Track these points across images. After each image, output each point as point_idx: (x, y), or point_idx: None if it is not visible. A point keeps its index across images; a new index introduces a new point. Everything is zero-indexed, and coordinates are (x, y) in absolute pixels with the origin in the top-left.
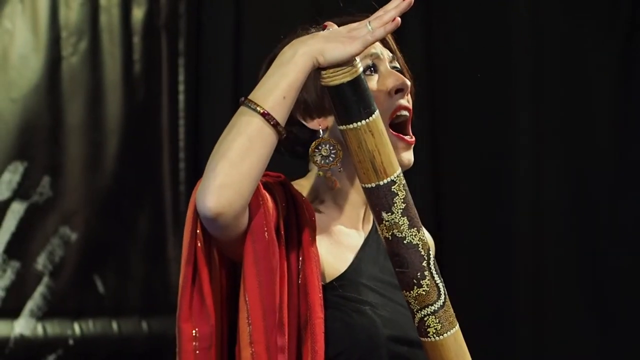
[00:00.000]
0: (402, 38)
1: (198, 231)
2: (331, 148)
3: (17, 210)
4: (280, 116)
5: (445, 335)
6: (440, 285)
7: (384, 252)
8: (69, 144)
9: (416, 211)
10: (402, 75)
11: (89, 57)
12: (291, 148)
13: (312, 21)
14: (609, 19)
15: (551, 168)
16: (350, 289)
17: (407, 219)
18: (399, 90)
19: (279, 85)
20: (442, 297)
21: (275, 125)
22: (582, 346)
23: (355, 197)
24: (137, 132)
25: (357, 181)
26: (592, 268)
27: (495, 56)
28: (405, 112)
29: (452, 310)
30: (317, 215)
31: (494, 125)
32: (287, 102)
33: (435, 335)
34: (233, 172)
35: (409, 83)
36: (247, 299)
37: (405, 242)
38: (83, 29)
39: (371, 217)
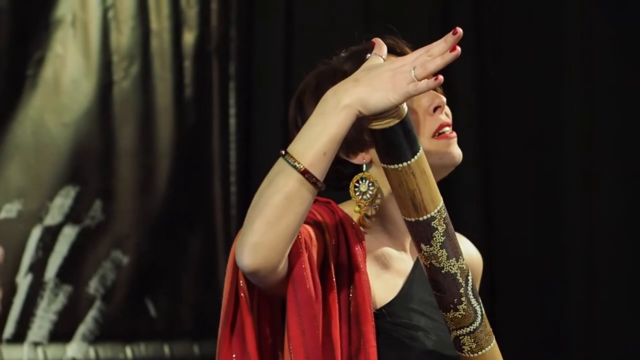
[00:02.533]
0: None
1: (241, 283)
2: (370, 185)
3: (69, 234)
4: (320, 172)
5: (479, 353)
6: (478, 308)
7: None
8: (120, 167)
9: (457, 240)
10: (435, 93)
11: (140, 82)
12: (337, 184)
13: (335, 55)
14: None
15: (605, 186)
16: (401, 315)
17: (446, 250)
18: (437, 108)
19: (319, 139)
20: (479, 319)
21: (314, 182)
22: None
23: (402, 222)
24: (188, 155)
25: None
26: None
27: (546, 69)
28: (447, 129)
29: (489, 327)
30: (366, 238)
31: (545, 141)
32: (328, 157)
33: (470, 353)
34: (269, 231)
35: (444, 99)
36: (290, 347)
37: (443, 271)
38: (134, 53)
39: None
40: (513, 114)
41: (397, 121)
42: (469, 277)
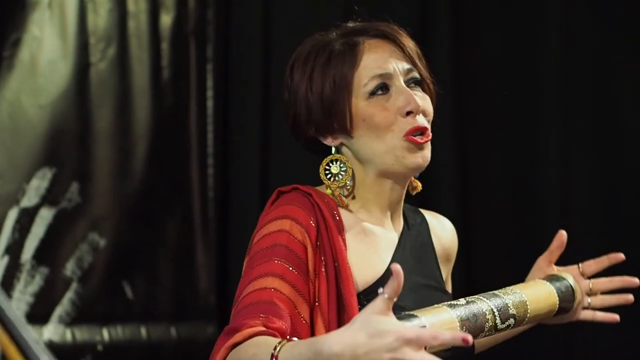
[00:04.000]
0: (430, 50)
1: None
2: (342, 166)
3: (45, 216)
4: None
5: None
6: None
7: (417, 254)
8: (97, 150)
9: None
10: (412, 95)
11: (117, 63)
12: (316, 152)
13: (333, 26)
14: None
15: (581, 180)
16: None
17: None
18: (409, 113)
19: None
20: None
21: None
22: (614, 353)
23: (380, 202)
24: (166, 138)
25: (378, 189)
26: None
27: (523, 67)
28: (418, 136)
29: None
30: (349, 217)
31: (522, 137)
32: None
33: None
34: None
35: (419, 103)
36: None
37: None
38: (111, 35)
39: (401, 217)
40: (489, 95)
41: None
42: None
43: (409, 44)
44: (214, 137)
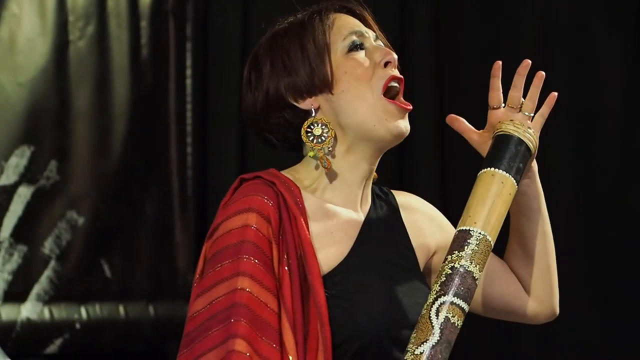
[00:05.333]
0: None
1: None
2: (324, 127)
3: (24, 194)
4: None
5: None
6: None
7: (384, 235)
8: (76, 128)
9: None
10: (388, 49)
11: (96, 42)
12: (283, 137)
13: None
14: (617, 16)
15: (555, 151)
16: (352, 275)
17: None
18: (387, 63)
19: None
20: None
21: None
22: (587, 340)
23: (351, 178)
24: (145, 116)
25: (352, 160)
26: (596, 266)
27: (503, 49)
28: (395, 83)
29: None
30: (313, 202)
31: None
32: None
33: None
34: None
35: (396, 56)
36: None
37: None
38: (90, 13)
39: (369, 197)
40: (470, 75)
41: (527, 142)
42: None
43: (370, 19)
44: (193, 115)
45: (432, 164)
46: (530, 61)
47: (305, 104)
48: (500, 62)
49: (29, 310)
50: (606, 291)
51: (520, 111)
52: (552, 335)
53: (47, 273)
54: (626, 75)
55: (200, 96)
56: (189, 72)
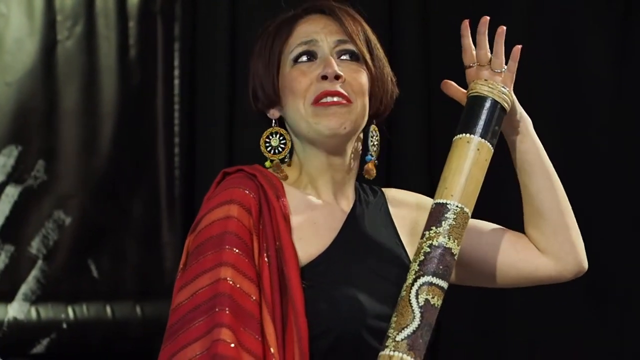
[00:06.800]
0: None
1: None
2: (281, 138)
3: (11, 194)
4: None
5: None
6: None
7: (369, 228)
8: (63, 128)
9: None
10: (331, 62)
11: (85, 41)
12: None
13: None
14: (603, 11)
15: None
16: (333, 266)
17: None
18: (324, 77)
19: None
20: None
21: None
22: (577, 334)
23: (322, 178)
24: (132, 116)
25: (315, 163)
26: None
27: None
28: (329, 98)
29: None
30: (295, 194)
31: None
32: None
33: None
34: None
35: (335, 69)
36: None
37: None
38: (79, 12)
39: (351, 193)
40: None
41: (501, 101)
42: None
43: (350, 20)
44: (180, 116)
45: (419, 154)
46: (488, 17)
47: (270, 114)
48: (467, 21)
49: (15, 310)
50: (595, 287)
51: (490, 69)
52: (538, 332)
53: (34, 273)
54: (613, 70)
55: (188, 96)
56: (177, 72)
